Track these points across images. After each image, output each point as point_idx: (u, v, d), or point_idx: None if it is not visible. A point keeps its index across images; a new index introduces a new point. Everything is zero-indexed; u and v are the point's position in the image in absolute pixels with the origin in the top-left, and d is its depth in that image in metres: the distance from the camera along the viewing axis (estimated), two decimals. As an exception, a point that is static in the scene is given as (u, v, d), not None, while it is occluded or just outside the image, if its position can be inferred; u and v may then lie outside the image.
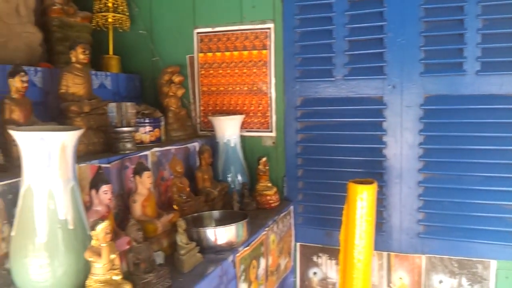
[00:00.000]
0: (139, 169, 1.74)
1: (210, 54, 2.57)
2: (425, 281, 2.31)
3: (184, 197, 2.02)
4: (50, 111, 2.01)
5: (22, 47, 2.08)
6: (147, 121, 2.22)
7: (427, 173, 2.24)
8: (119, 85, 2.51)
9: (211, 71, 2.58)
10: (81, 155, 1.83)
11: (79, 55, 1.98)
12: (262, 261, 1.99)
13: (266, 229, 2.06)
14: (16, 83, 1.64)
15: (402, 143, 2.25)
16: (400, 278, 2.36)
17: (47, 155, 1.22)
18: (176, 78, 2.53)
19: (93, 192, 1.49)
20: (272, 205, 2.33)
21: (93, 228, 1.18)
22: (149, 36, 2.71)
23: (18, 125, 1.62)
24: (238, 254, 1.75)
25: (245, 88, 2.52)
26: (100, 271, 1.19)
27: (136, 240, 1.37)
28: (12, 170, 1.45)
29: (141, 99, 2.71)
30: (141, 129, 2.19)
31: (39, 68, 2.01)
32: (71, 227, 1.25)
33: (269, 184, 2.38)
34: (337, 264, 2.46)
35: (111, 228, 1.21)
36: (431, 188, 2.24)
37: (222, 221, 1.92)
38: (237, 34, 2.49)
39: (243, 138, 2.53)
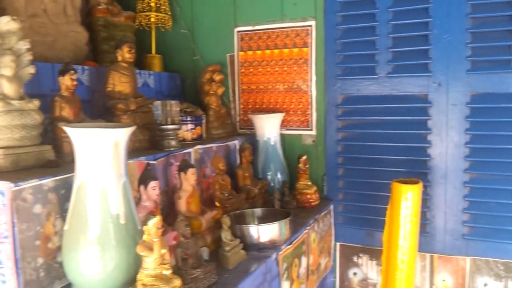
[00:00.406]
0: (184, 166, 1.76)
1: (250, 52, 2.58)
2: (469, 284, 2.25)
3: (226, 195, 2.03)
4: (96, 109, 2.07)
5: (69, 46, 2.14)
6: (189, 119, 2.25)
7: (473, 174, 2.18)
8: (161, 83, 2.55)
9: (251, 69, 2.59)
10: (128, 152, 1.87)
11: (125, 54, 2.02)
12: (304, 260, 1.98)
13: (308, 228, 2.05)
14: (66, 81, 1.69)
15: (447, 142, 2.20)
16: (443, 280, 2.30)
17: (101, 152, 1.24)
18: (217, 77, 2.55)
19: (142, 188, 1.52)
20: (312, 204, 2.31)
21: (145, 223, 1.20)
22: (190, 35, 2.73)
23: (67, 122, 1.66)
24: (281, 252, 1.74)
25: (285, 86, 2.52)
26: (151, 266, 1.20)
27: (184, 235, 1.39)
28: (63, 165, 1.49)
29: (182, 98, 2.74)
30: (183, 127, 2.22)
31: (86, 67, 2.06)
32: (122, 221, 1.28)
33: (309, 183, 2.37)
34: (378, 265, 2.42)
35: (162, 223, 1.23)
36: (477, 188, 2.18)
37: (263, 219, 1.93)
38: (277, 32, 2.49)
39: (282, 136, 2.52)
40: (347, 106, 2.39)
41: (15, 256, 1.23)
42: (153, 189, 1.51)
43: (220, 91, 2.57)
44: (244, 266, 1.58)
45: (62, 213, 1.36)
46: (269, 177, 2.40)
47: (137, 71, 2.36)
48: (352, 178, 2.42)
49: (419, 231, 1.97)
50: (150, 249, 1.19)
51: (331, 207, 2.43)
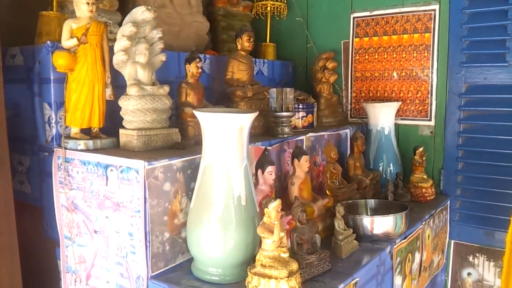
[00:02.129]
0: (298, 153, 1.77)
1: (366, 38, 2.51)
2: None
3: (337, 184, 2.02)
4: (215, 95, 2.16)
5: (192, 35, 2.26)
6: (301, 106, 2.26)
7: None
8: (274, 71, 2.59)
9: (366, 56, 2.52)
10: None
11: (245, 42, 2.08)
12: (417, 256, 1.91)
13: (423, 222, 1.96)
14: (192, 69, 1.79)
15: None
16: None
17: (227, 136, 1.30)
18: (330, 64, 2.53)
19: (259, 172, 1.56)
20: (428, 198, 2.21)
21: (266, 205, 1.24)
22: (305, 23, 2.73)
23: (192, 107, 1.76)
24: (395, 246, 1.69)
25: (403, 74, 2.41)
26: (270, 247, 1.24)
27: (300, 221, 1.40)
28: (188, 148, 1.59)
29: (293, 86, 2.76)
30: (296, 114, 2.24)
31: (207, 56, 2.16)
32: (243, 203, 1.33)
33: (425, 176, 2.26)
34: (497, 266, 2.24)
35: (280, 207, 1.26)
36: None
37: (376, 210, 1.88)
38: (397, 17, 2.38)
39: (396, 126, 2.43)
40: (471, 96, 2.22)
41: (145, 229, 1.34)
42: (270, 173, 1.55)
43: (332, 78, 2.54)
44: (357, 256, 1.56)
45: (188, 191, 1.46)
46: (380, 168, 2.33)
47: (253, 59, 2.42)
48: (473, 173, 2.26)
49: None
50: (270, 231, 1.22)
51: (448, 203, 2.30)
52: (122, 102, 1.54)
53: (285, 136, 1.96)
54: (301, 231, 1.40)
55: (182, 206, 1.45)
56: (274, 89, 2.00)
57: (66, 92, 1.53)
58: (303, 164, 1.77)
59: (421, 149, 2.25)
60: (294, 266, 1.24)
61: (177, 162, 1.42)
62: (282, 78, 2.65)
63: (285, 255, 1.25)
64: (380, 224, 1.67)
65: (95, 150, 1.50)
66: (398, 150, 2.37)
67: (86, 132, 1.58)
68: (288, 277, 1.21)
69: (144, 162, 1.32)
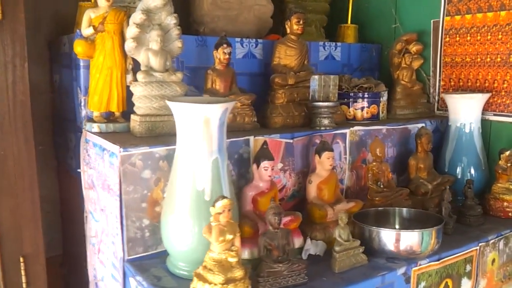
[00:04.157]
0: (320, 149, 1.60)
1: (458, 17, 2.10)
2: None
3: (382, 186, 1.76)
4: (268, 83, 2.06)
5: (252, 19, 2.18)
6: (361, 95, 2.02)
7: None
8: (350, 56, 2.36)
9: (457, 38, 2.11)
10: (277, 127, 1.83)
11: (293, 25, 1.94)
12: (467, 283, 1.56)
13: (482, 243, 1.59)
14: (220, 55, 1.74)
15: None
16: None
17: (192, 127, 1.24)
18: (413, 47, 2.21)
19: (254, 166, 1.46)
20: (510, 214, 1.79)
21: (213, 204, 1.15)
22: (393, 1, 2.41)
23: (217, 95, 1.73)
24: (416, 268, 1.41)
25: (498, 59, 1.96)
26: (216, 249, 1.15)
27: (272, 224, 1.27)
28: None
29: (378, 72, 2.48)
30: (355, 104, 2.02)
31: (260, 40, 2.08)
32: (207, 198, 1.26)
33: (511, 187, 1.82)
34: None
35: (231, 207, 1.15)
36: None
37: (411, 222, 1.59)
38: (493, -11, 1.94)
39: (486, 123, 2.00)
40: None
41: (121, 213, 1.37)
42: (265, 169, 1.44)
43: (416, 64, 2.21)
44: (355, 273, 1.35)
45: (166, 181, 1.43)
46: (458, 172, 1.95)
47: (321, 43, 2.24)
48: None
49: None
50: (219, 232, 1.14)
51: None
52: (132, 88, 1.59)
53: (322, 128, 1.78)
54: (272, 236, 1.26)
55: (165, 194, 1.43)
56: (316, 76, 1.83)
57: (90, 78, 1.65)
58: (325, 161, 1.59)
59: (507, 152, 1.82)
60: (238, 273, 1.14)
61: (160, 150, 1.41)
62: (361, 64, 2.40)
63: (233, 260, 1.16)
64: (398, 239, 1.41)
65: (106, 134, 1.58)
66: (483, 152, 1.96)
67: (109, 116, 1.67)
68: (224, 284, 1.11)
69: (120, 148, 1.35)
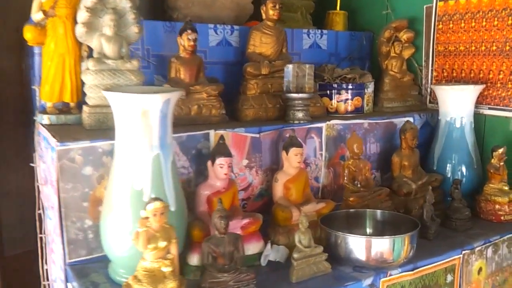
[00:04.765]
0: (287, 144, 1.46)
1: (451, 2, 1.93)
2: None
3: (359, 186, 1.61)
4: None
5: (229, 4, 2.05)
6: (344, 87, 1.87)
7: None
8: (338, 44, 2.20)
9: (451, 25, 1.94)
10: (248, 120, 1.69)
11: (269, 10, 1.80)
12: (447, 295, 1.41)
13: (466, 251, 1.43)
14: (184, 41, 1.61)
15: None
16: None
17: (129, 120, 1.12)
18: (404, 35, 2.05)
19: (209, 163, 1.33)
20: (502, 218, 1.63)
21: (144, 207, 1.03)
22: (384, -15, 2.25)
23: (180, 84, 1.60)
24: (386, 278, 1.27)
25: (493, 48, 1.79)
26: (149, 258, 1.03)
27: (218, 229, 1.14)
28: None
29: (369, 61, 2.32)
30: (338, 96, 1.88)
31: (236, 27, 1.94)
32: (146, 199, 1.13)
33: (505, 188, 1.67)
34: None
35: (165, 210, 1.03)
36: None
37: (386, 225, 1.44)
38: (486, -30, 1.76)
39: (480, 117, 1.84)
40: None
41: (60, 213, 1.25)
42: (221, 166, 1.30)
43: (406, 53, 2.06)
44: (316, 284, 1.21)
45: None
46: (447, 171, 1.79)
47: (305, 31, 2.09)
48: None
49: None
50: (146, 238, 1.02)
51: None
52: (82, 77, 1.47)
53: (296, 122, 1.64)
54: (217, 242, 1.13)
55: (106, 194, 1.31)
56: (290, 65, 1.69)
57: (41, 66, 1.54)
58: (292, 158, 1.45)
59: (501, 150, 1.66)
60: (171, 285, 1.02)
61: (103, 144, 1.29)
62: (350, 53, 2.24)
63: (166, 270, 1.03)
64: (366, 246, 1.26)
65: (56, 126, 1.47)
66: (476, 149, 1.80)
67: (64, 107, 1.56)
68: (152, 297, 0.99)
69: (57, 142, 1.23)
